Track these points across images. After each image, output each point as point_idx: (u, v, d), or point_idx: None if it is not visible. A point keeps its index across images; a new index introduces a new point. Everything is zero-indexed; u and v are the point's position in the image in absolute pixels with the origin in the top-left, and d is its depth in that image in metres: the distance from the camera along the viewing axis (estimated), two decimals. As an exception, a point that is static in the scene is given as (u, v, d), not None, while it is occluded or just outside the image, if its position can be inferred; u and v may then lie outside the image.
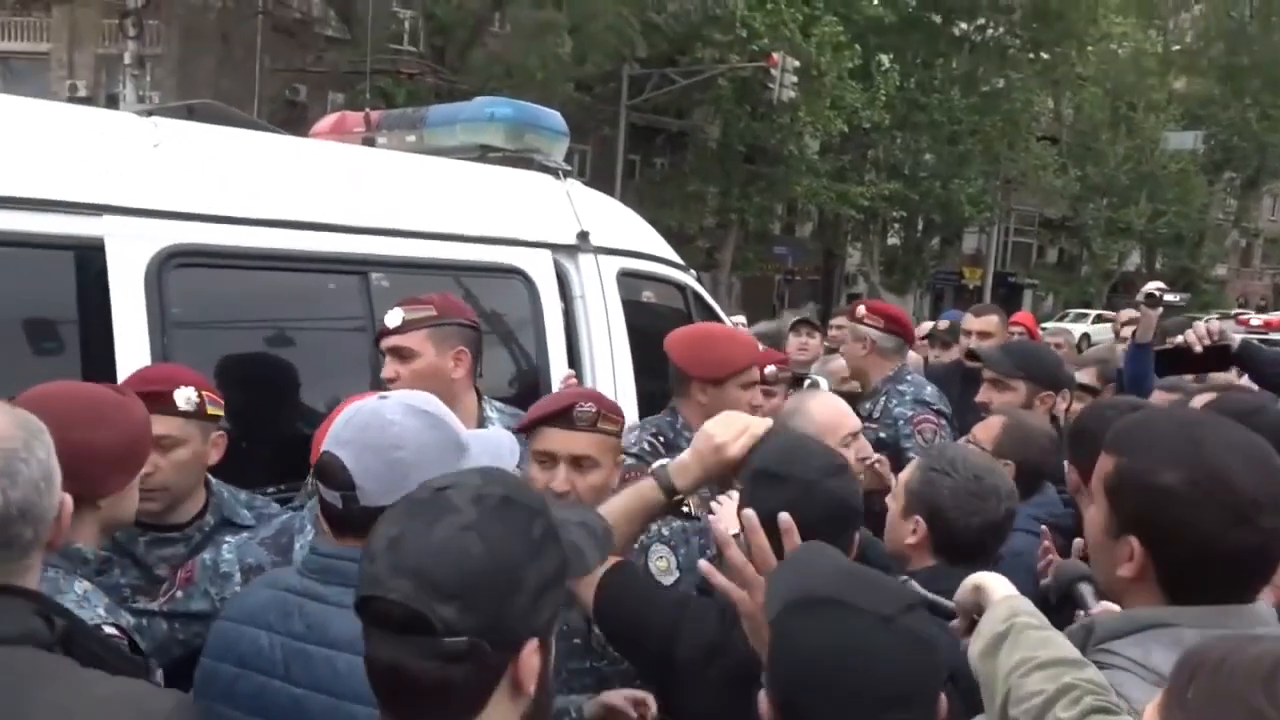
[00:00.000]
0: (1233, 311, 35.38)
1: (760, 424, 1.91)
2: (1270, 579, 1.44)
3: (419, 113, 3.98)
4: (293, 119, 17.67)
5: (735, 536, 1.64)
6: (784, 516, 1.57)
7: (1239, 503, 1.36)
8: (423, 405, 1.71)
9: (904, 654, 1.27)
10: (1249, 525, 1.36)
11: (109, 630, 1.55)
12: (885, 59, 26.55)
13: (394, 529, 1.12)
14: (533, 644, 1.10)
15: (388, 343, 2.62)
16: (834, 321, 5.96)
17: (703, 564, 1.72)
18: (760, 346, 3.32)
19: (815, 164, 25.30)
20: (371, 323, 2.90)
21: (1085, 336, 32.09)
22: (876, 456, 2.83)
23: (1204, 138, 35.88)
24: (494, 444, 1.81)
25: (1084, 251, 39.67)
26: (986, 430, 2.88)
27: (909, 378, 3.81)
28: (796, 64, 21.19)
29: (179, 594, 2.07)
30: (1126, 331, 5.05)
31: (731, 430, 1.89)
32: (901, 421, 3.59)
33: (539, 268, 3.41)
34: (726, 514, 1.81)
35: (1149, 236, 38.45)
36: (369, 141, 3.75)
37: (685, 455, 1.94)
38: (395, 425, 1.63)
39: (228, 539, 2.16)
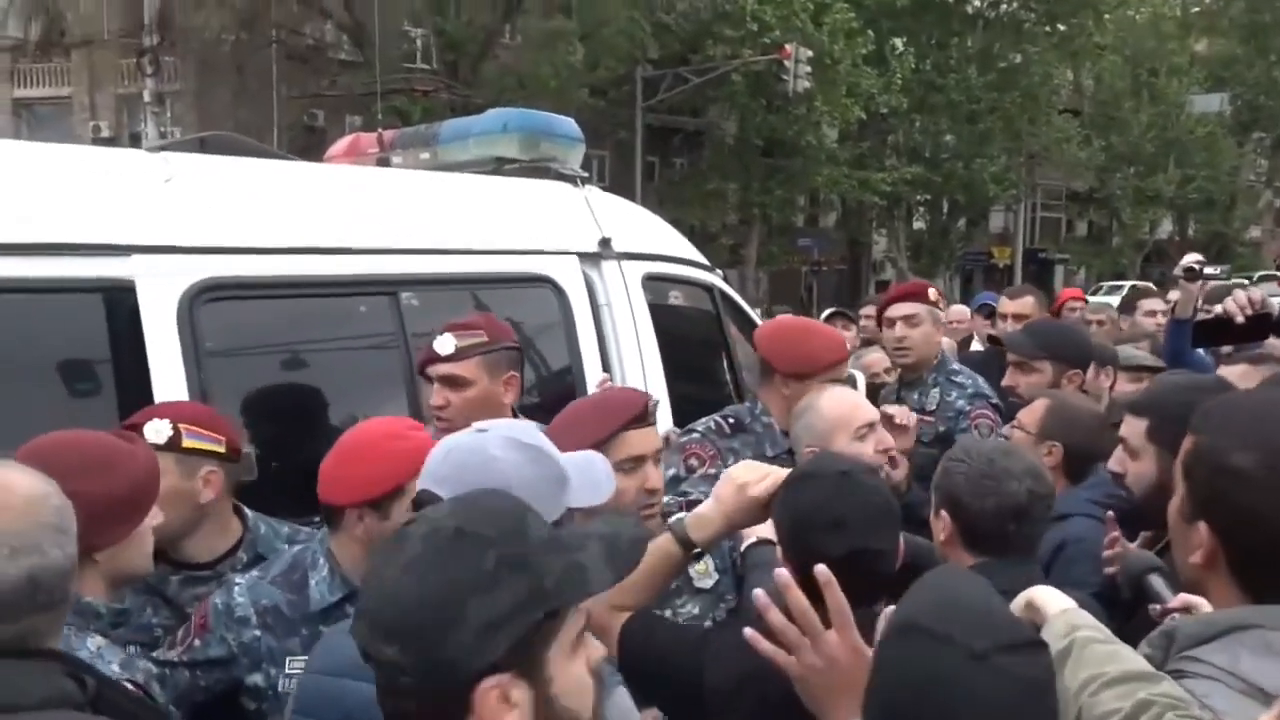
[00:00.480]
0: (1273, 273, 34.67)
1: (782, 471, 1.87)
2: None
3: (432, 129, 3.99)
4: (312, 144, 17.82)
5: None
6: (821, 569, 1.50)
7: None
8: (526, 438, 1.62)
9: (993, 695, 1.13)
10: None
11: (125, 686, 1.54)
12: (899, 42, 26.35)
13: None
14: (490, 681, 1.03)
15: (439, 370, 2.56)
16: (864, 312, 5.87)
17: (758, 598, 1.63)
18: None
19: (835, 153, 25.16)
20: (405, 343, 2.92)
21: (1088, 306, 31.64)
22: (895, 448, 2.71)
23: (1230, 99, 35.35)
24: (591, 470, 1.74)
25: (1113, 223, 39.16)
26: (1030, 414, 2.81)
27: (959, 368, 3.71)
28: (809, 54, 21.08)
29: (196, 642, 2.05)
30: (1148, 323, 4.92)
31: (755, 473, 1.87)
32: (961, 415, 3.51)
33: (567, 274, 3.42)
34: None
35: (1179, 203, 37.87)
36: (384, 161, 3.76)
37: (704, 506, 1.90)
38: (499, 461, 1.54)
39: (239, 579, 2.11)
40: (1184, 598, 1.60)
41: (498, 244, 3.31)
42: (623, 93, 23.15)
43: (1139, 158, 35.04)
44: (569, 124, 3.94)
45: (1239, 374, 3.48)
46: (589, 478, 1.70)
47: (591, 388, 3.22)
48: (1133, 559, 1.76)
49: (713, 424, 2.99)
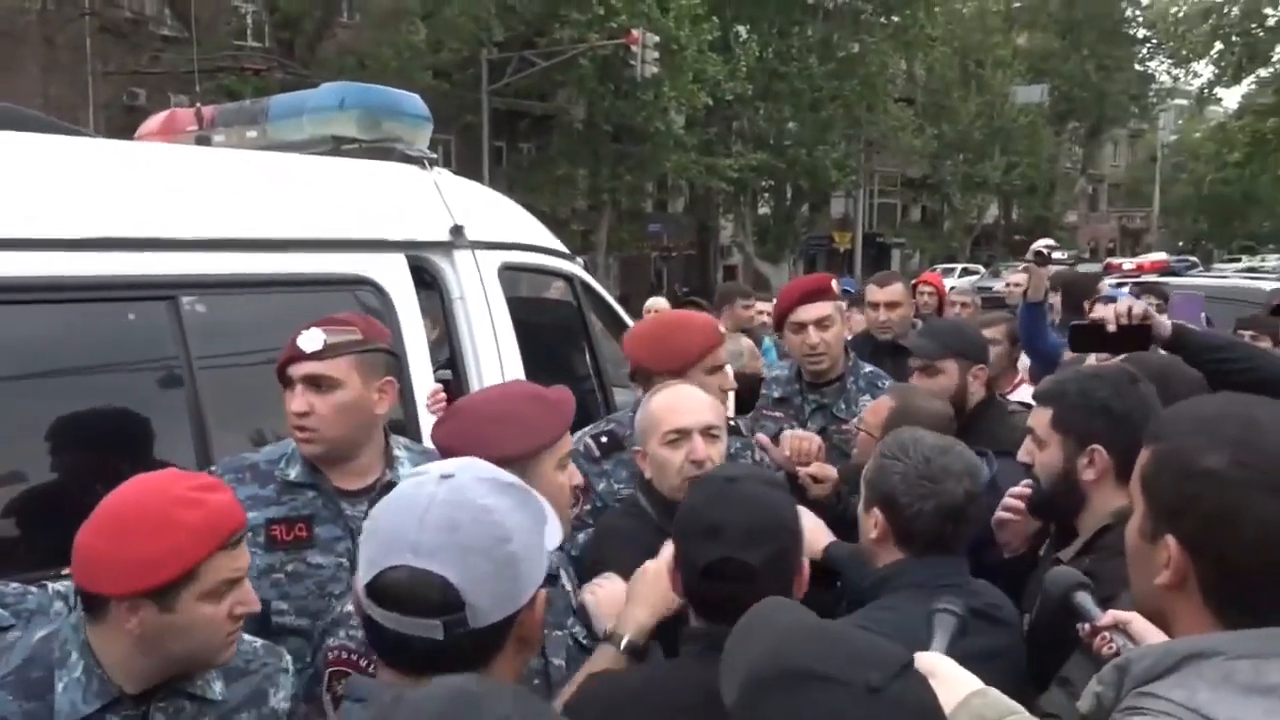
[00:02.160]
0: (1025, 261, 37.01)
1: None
2: None
3: (260, 105, 3.58)
4: (132, 125, 16.53)
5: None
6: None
7: None
8: (500, 476, 1.33)
9: None
10: None
11: None
12: (743, 30, 26.72)
13: None
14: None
15: (303, 369, 2.20)
16: (745, 304, 5.82)
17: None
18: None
19: (682, 139, 25.27)
20: (187, 360, 2.40)
21: (953, 290, 33.20)
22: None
23: (1049, 90, 37.44)
24: (544, 507, 1.49)
25: (945, 207, 40.96)
26: (875, 414, 2.77)
27: (870, 368, 3.51)
28: (656, 39, 21.03)
29: None
30: (1016, 293, 5.02)
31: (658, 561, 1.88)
32: None
33: (392, 274, 2.96)
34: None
35: (1004, 189, 40.00)
36: (204, 140, 3.35)
37: (630, 612, 1.89)
38: (493, 512, 1.25)
39: None
40: (1114, 614, 1.48)
41: (311, 238, 2.81)
42: (467, 76, 22.60)
43: (968, 146, 36.72)
44: (414, 101, 3.60)
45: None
46: (549, 516, 1.46)
47: (421, 404, 2.89)
48: (1056, 577, 1.62)
49: (581, 447, 2.75)
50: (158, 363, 2.47)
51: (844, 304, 3.46)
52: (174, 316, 2.44)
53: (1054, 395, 2.18)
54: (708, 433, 2.34)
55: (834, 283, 3.49)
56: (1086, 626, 1.47)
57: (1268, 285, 8.03)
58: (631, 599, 1.88)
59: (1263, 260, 40.84)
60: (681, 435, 2.32)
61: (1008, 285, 5.24)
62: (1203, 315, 3.51)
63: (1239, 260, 39.74)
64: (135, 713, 1.64)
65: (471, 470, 1.32)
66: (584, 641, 2.06)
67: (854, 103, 28.99)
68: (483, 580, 1.21)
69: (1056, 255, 4.33)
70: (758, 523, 1.59)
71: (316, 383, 2.21)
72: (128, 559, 1.54)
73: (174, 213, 2.55)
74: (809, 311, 3.33)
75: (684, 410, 2.35)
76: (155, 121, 3.84)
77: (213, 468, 2.25)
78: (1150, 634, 1.42)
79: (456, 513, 1.24)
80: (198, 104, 3.61)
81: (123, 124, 17.45)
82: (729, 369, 2.93)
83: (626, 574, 2.02)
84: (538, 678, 1.93)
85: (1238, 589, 1.18)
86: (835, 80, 28.26)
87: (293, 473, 2.24)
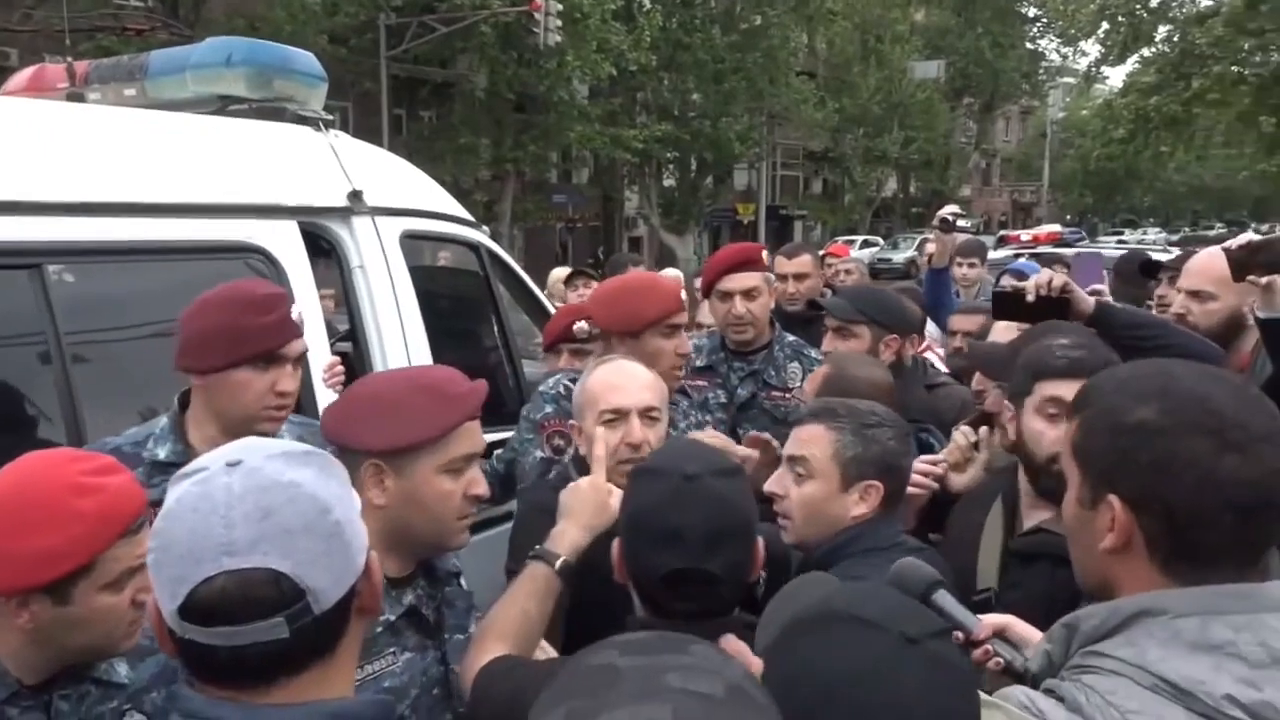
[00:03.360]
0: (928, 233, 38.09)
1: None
2: (1276, 535, 1.21)
3: (138, 60, 3.31)
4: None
5: None
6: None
7: (1226, 426, 1.16)
8: (294, 449, 1.20)
9: (929, 681, 1.03)
10: (1242, 453, 1.14)
11: None
12: (646, 0, 26.50)
13: None
14: None
15: (300, 347, 2.16)
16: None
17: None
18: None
19: (586, 109, 25.04)
20: (55, 335, 2.19)
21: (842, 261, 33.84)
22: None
23: (945, 66, 38.28)
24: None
25: (846, 180, 41.56)
26: (811, 381, 2.76)
27: (793, 338, 3.47)
28: (559, 7, 20.70)
29: None
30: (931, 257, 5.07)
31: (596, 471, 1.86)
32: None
33: (284, 242, 2.77)
34: None
35: (903, 163, 40.88)
36: (76, 98, 3.09)
37: (560, 525, 1.83)
38: (303, 484, 1.12)
39: None
40: (989, 622, 1.43)
41: (195, 202, 2.61)
42: (365, 41, 21.89)
43: (867, 120, 37.31)
44: (308, 59, 3.39)
45: (977, 324, 3.58)
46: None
47: (318, 377, 2.74)
48: (907, 573, 1.48)
49: (562, 388, 2.71)
50: (21, 337, 2.24)
51: (772, 275, 3.42)
52: (39, 286, 2.21)
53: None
54: (646, 414, 2.23)
55: (764, 251, 3.43)
56: (961, 635, 1.38)
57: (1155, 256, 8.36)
58: (566, 514, 1.79)
59: (1144, 233, 42.69)
60: (619, 416, 2.21)
61: (927, 257, 5.30)
62: (1104, 273, 3.61)
63: (1122, 233, 41.47)
64: (36, 703, 1.53)
65: (259, 450, 1.17)
66: None
67: (756, 75, 29.09)
68: (315, 560, 1.10)
69: (961, 223, 4.38)
70: (720, 527, 1.48)
71: (299, 361, 2.15)
72: (17, 554, 1.41)
73: (40, 174, 2.32)
74: (736, 281, 3.29)
75: (623, 389, 2.24)
76: (22, 77, 3.55)
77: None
78: (1033, 636, 1.42)
79: (264, 497, 1.10)
80: (69, 59, 3.35)
81: (-8, 85, 16.42)
82: (686, 335, 2.85)
83: None
84: (437, 686, 1.83)
85: (1182, 540, 1.18)
86: (738, 52, 28.32)
87: (162, 452, 2.08)
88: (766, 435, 2.61)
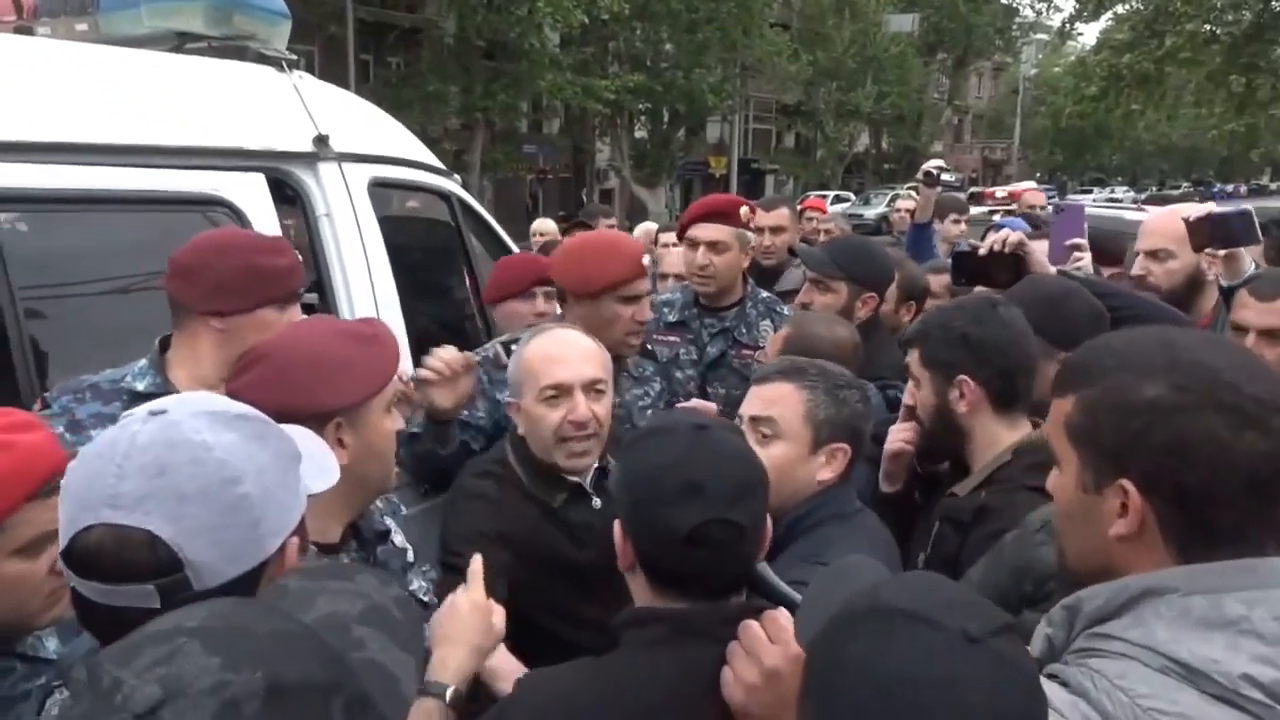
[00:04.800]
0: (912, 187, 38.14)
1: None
2: None
3: (89, -8, 3.16)
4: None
5: None
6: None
7: (1242, 402, 1.10)
8: (231, 409, 1.13)
9: (995, 681, 0.96)
10: (1260, 428, 1.09)
11: None
12: (620, -55, 26.03)
13: None
14: None
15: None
16: (608, 224, 5.69)
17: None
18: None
19: (558, 58, 24.68)
20: (8, 286, 2.05)
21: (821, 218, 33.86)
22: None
23: (919, 20, 38.03)
24: (309, 443, 1.31)
25: (818, 135, 41.38)
26: (774, 342, 2.70)
27: (768, 295, 3.41)
28: (531, -49, 20.31)
29: None
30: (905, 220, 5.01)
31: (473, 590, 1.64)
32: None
33: (249, 194, 2.61)
34: None
35: (875, 118, 40.73)
36: (25, 32, 2.93)
37: (440, 652, 1.57)
38: (214, 448, 1.05)
39: None
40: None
41: (151, 147, 2.41)
42: (331, -19, 21.40)
43: (841, 74, 37.09)
44: (270, -6, 3.23)
45: (943, 283, 3.53)
46: (311, 453, 1.27)
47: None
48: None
49: (490, 353, 2.63)
50: None
51: (750, 234, 3.32)
52: None
53: (919, 333, 2.18)
54: (591, 388, 2.12)
55: (743, 208, 3.30)
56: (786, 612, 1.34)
57: (1127, 215, 8.34)
58: (446, 640, 1.58)
59: (1111, 191, 42.94)
60: (560, 391, 2.09)
61: (900, 212, 5.24)
62: (1085, 227, 3.56)
63: (1090, 191, 41.67)
64: None
65: (190, 404, 1.11)
66: (425, 599, 1.91)
67: (730, 26, 28.73)
68: (203, 532, 1.02)
69: (945, 177, 4.32)
70: (742, 477, 1.38)
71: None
72: None
73: None
74: (702, 231, 3.23)
75: (564, 361, 2.12)
76: (-35, 10, 3.36)
77: (47, 392, 1.98)
78: None
79: (166, 453, 1.03)
80: (16, -10, 3.17)
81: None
82: (647, 303, 2.75)
83: (490, 549, 1.83)
84: None
85: (1196, 520, 1.13)
86: (712, 2, 27.92)
87: (140, 385, 1.99)
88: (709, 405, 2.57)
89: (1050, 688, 1.12)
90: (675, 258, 4.16)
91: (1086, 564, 1.24)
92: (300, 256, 2.27)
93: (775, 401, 1.94)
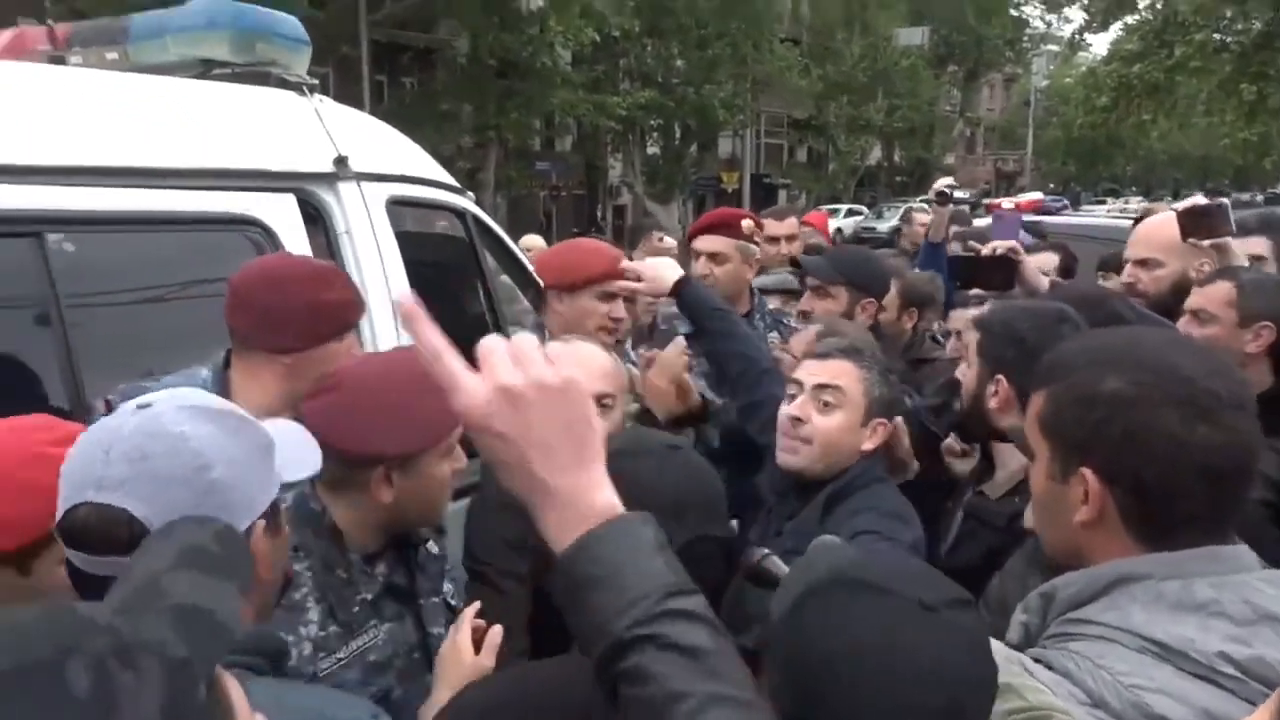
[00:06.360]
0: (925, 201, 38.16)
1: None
2: (1244, 501, 1.23)
3: (120, 24, 3.27)
4: (-25, 50, 15.31)
5: None
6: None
7: (1196, 394, 1.16)
8: (211, 404, 1.26)
9: (946, 649, 1.01)
10: (1214, 422, 1.15)
11: None
12: (630, -36, 26.26)
13: None
14: None
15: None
16: (659, 237, 5.82)
17: None
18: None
19: (570, 75, 24.87)
20: (56, 302, 2.15)
21: (839, 230, 33.89)
22: None
23: (929, 33, 38.12)
24: (293, 436, 1.42)
25: (830, 148, 41.44)
26: (802, 339, 2.78)
27: (775, 306, 3.52)
28: (542, -29, 20.54)
29: None
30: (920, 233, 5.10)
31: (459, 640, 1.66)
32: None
33: (281, 215, 2.72)
34: None
35: (887, 131, 40.75)
36: (58, 61, 3.06)
37: (434, 695, 1.62)
38: (190, 438, 1.18)
39: None
40: None
41: (189, 170, 2.53)
42: (344, 4, 21.63)
43: (852, 87, 37.14)
44: (291, 23, 3.36)
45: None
46: (293, 445, 1.40)
47: None
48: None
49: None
50: (23, 304, 2.22)
51: (754, 246, 3.43)
52: (39, 254, 2.17)
53: (986, 321, 2.28)
54: (599, 402, 2.15)
55: (746, 222, 3.39)
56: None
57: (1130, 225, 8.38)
58: (437, 681, 1.63)
59: (1125, 202, 42.80)
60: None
61: (919, 226, 5.33)
62: (1020, 233, 3.71)
63: (1104, 202, 41.55)
64: None
65: (175, 400, 1.25)
66: (451, 601, 1.98)
67: (741, 42, 28.91)
68: (175, 511, 1.12)
69: (958, 195, 4.39)
70: (713, 492, 1.46)
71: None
72: None
73: (40, 139, 2.26)
74: (704, 243, 3.36)
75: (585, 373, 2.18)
76: (1, 40, 3.50)
77: (111, 395, 2.03)
78: None
79: (147, 442, 1.17)
80: (49, 21, 3.31)
81: (-35, 49, 16.12)
82: (621, 303, 2.86)
83: (515, 556, 1.89)
84: (417, 650, 1.84)
85: (1155, 509, 1.19)
86: (722, 18, 28.10)
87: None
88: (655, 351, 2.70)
89: (1034, 668, 1.19)
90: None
91: (1060, 551, 1.31)
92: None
93: (839, 374, 2.13)
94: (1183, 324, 2.51)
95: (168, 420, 1.19)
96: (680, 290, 2.70)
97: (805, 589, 1.09)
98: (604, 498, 0.96)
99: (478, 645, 1.62)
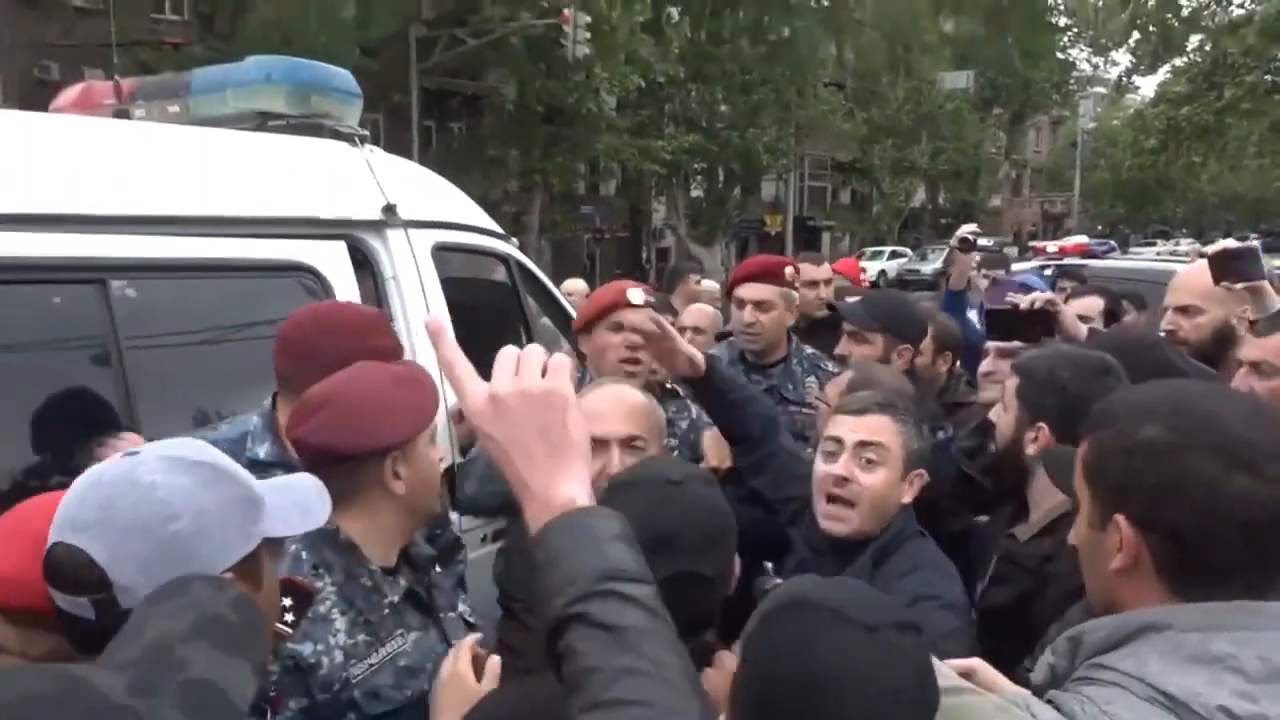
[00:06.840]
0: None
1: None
2: None
3: (181, 79, 3.44)
4: (43, 98, 15.88)
5: None
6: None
7: (1234, 445, 1.15)
8: (192, 455, 1.30)
9: (885, 670, 1.12)
10: (1253, 472, 1.13)
11: None
12: (674, 11, 26.62)
13: None
14: None
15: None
16: (696, 279, 5.84)
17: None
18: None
19: (614, 121, 25.20)
20: (116, 344, 2.26)
21: (882, 273, 33.78)
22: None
23: (974, 77, 38.15)
24: (297, 491, 1.45)
25: (874, 191, 41.50)
26: (835, 386, 2.80)
27: (812, 350, 3.52)
28: (588, 19, 20.89)
29: None
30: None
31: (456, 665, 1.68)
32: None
33: (333, 262, 2.84)
34: None
35: (931, 173, 40.76)
36: (123, 115, 3.21)
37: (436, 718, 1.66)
38: (157, 489, 1.22)
39: None
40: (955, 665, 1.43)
41: (247, 219, 2.67)
42: (396, 53, 22.16)
43: (896, 131, 37.25)
44: (344, 76, 3.51)
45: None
46: (294, 500, 1.43)
47: None
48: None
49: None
50: (86, 349, 2.33)
51: (795, 292, 3.48)
52: (103, 301, 2.29)
53: (1026, 367, 2.28)
54: (629, 444, 2.15)
55: (788, 267, 3.46)
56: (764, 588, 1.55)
57: (1179, 268, 8.29)
58: (437, 709, 1.65)
59: (1176, 244, 42.22)
60: (598, 445, 2.11)
61: (946, 275, 5.35)
62: (1038, 281, 3.73)
63: (1154, 244, 41.02)
64: None
65: (162, 449, 1.30)
66: (469, 619, 2.06)
67: (784, 86, 29.14)
68: (133, 559, 1.19)
69: (981, 242, 4.40)
70: (710, 529, 1.47)
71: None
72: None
73: (104, 190, 2.39)
74: (749, 290, 3.38)
75: (603, 417, 2.15)
76: (70, 95, 3.68)
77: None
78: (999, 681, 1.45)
79: (118, 490, 1.23)
80: (115, 76, 3.47)
81: (33, 98, 16.75)
82: (632, 335, 2.87)
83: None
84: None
85: (1191, 560, 1.18)
86: (766, 63, 28.38)
87: (262, 451, 2.18)
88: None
89: (1040, 707, 1.21)
90: (696, 312, 4.42)
91: (1098, 599, 1.31)
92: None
93: (878, 430, 2.11)
94: (1241, 376, 2.43)
95: (143, 470, 1.24)
96: (709, 374, 2.49)
97: (769, 610, 1.20)
98: (566, 493, 1.02)
99: (478, 673, 1.65)
